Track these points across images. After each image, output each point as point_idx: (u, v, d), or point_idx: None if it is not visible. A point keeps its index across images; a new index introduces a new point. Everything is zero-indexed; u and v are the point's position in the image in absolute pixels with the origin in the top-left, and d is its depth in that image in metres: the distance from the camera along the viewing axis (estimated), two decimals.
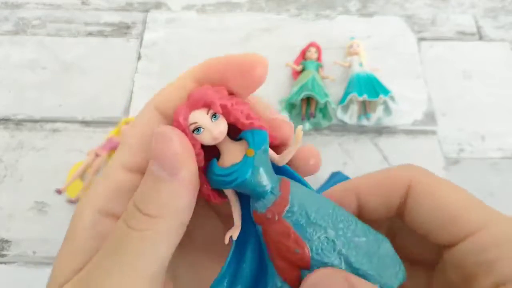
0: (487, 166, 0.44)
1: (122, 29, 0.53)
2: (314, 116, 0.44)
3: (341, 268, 0.13)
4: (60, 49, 0.51)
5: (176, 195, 0.14)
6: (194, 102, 0.14)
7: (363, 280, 0.13)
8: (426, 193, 0.15)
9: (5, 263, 0.39)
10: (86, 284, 0.14)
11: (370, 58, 0.49)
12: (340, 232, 0.14)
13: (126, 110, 0.47)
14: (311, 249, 0.13)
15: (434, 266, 0.16)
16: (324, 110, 0.44)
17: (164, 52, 0.51)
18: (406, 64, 0.50)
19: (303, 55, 0.49)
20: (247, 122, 0.14)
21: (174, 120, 0.14)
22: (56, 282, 0.14)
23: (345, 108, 0.45)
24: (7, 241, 0.39)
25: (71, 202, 0.40)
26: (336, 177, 0.39)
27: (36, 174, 0.43)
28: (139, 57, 0.51)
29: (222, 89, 0.14)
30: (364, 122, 0.45)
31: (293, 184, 0.15)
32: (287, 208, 0.14)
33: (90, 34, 0.53)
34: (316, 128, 0.45)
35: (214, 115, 0.14)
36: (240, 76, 0.14)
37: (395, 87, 0.46)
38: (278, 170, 0.15)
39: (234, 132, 0.15)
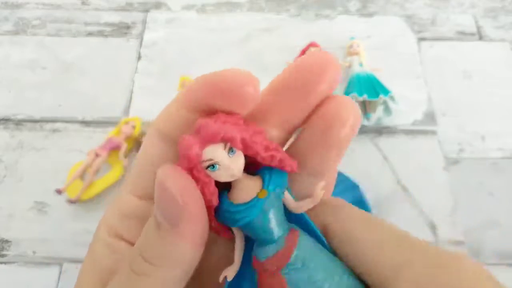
0: (487, 166, 0.44)
1: (122, 29, 0.53)
2: None
3: None
4: (60, 49, 0.51)
5: (178, 247, 0.13)
6: (210, 136, 0.12)
7: None
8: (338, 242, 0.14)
9: (5, 263, 0.39)
10: None
11: (370, 58, 0.49)
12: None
13: (126, 110, 0.47)
14: None
15: None
16: None
17: (164, 52, 0.51)
18: (406, 64, 0.50)
19: (303, 55, 0.49)
20: (266, 155, 0.13)
21: (185, 156, 0.12)
22: None
23: None
24: (7, 241, 0.39)
25: (71, 202, 0.40)
26: (337, 178, 0.39)
27: (36, 174, 0.43)
28: (139, 57, 0.51)
29: (238, 119, 0.13)
30: (364, 122, 0.45)
31: (302, 238, 0.13)
32: (288, 262, 0.13)
33: (90, 34, 0.53)
34: None
35: (231, 149, 0.12)
36: (232, 98, 0.13)
37: (395, 87, 0.46)
38: (292, 215, 0.14)
39: (247, 164, 0.13)
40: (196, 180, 0.12)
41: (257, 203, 0.13)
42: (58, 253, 0.39)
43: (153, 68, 0.50)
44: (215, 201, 0.13)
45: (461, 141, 0.45)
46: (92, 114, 0.46)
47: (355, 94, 0.43)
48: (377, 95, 0.43)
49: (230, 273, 0.14)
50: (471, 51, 0.52)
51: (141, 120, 0.45)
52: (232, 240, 0.14)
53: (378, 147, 0.45)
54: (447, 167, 0.44)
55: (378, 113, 0.45)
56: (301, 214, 0.14)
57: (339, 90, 0.46)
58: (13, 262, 0.39)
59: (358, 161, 0.44)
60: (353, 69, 0.46)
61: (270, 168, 0.13)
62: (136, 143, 0.44)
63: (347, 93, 0.45)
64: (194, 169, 0.12)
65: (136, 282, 0.13)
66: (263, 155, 0.13)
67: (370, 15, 0.54)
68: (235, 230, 0.14)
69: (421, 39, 0.52)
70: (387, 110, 0.45)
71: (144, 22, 0.54)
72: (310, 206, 0.14)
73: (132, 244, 0.15)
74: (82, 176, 0.41)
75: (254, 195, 0.13)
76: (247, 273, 0.14)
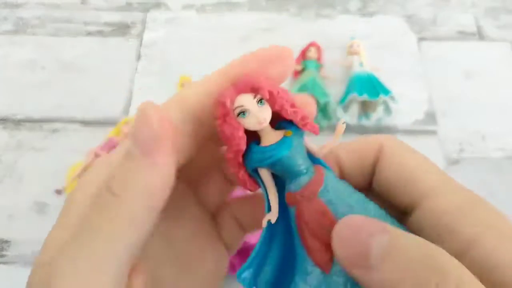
0: (487, 166, 0.44)
1: (122, 29, 0.53)
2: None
3: None
4: (59, 49, 0.51)
5: (146, 175, 0.12)
6: (242, 86, 0.14)
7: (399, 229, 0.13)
8: (390, 157, 0.16)
9: (5, 263, 0.38)
10: (53, 267, 0.13)
11: (371, 58, 0.49)
12: (367, 214, 0.14)
13: (126, 110, 0.47)
14: None
15: None
16: (324, 110, 0.44)
17: (164, 51, 0.51)
18: (407, 64, 0.50)
19: (303, 55, 0.49)
20: (291, 110, 0.14)
21: (219, 103, 0.14)
22: (46, 254, 0.15)
23: (345, 108, 0.45)
24: (6, 241, 0.39)
25: None
26: None
27: (35, 174, 0.43)
28: (138, 57, 0.51)
29: (269, 78, 0.15)
30: (364, 122, 0.45)
31: (326, 170, 0.15)
32: (322, 187, 0.14)
33: (89, 34, 0.53)
34: None
35: (260, 101, 0.14)
36: (280, 63, 0.15)
37: (396, 87, 0.46)
38: (313, 161, 0.16)
39: (272, 124, 0.15)
40: (228, 125, 0.14)
41: (286, 139, 0.14)
42: None
43: (153, 68, 0.50)
44: (243, 145, 0.14)
45: (461, 141, 0.45)
46: (91, 114, 0.46)
47: (355, 94, 0.43)
48: (377, 95, 0.43)
49: (272, 217, 0.15)
50: (471, 51, 0.51)
51: None
52: (237, 202, 0.16)
53: None
54: (448, 167, 0.44)
55: (378, 113, 0.45)
56: (320, 161, 0.16)
57: (339, 90, 0.46)
58: (13, 262, 0.38)
59: None
60: (353, 69, 0.46)
61: (290, 122, 0.15)
62: None
63: (347, 93, 0.45)
64: (227, 115, 0.14)
65: (98, 220, 0.13)
66: (288, 110, 0.14)
67: (371, 14, 0.54)
68: (264, 176, 0.15)
69: (422, 39, 0.52)
70: (387, 110, 0.45)
71: (143, 22, 0.54)
72: (333, 144, 0.16)
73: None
74: (82, 176, 0.41)
75: (282, 136, 0.15)
76: (280, 217, 0.15)
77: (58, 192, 0.39)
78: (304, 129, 0.15)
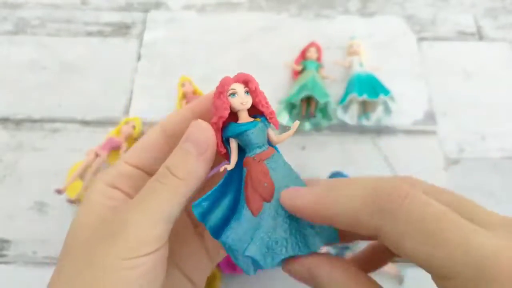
0: (487, 166, 0.44)
1: (122, 29, 0.53)
2: (314, 116, 0.44)
3: None
4: (60, 49, 0.51)
5: (199, 167, 0.19)
6: (238, 77, 0.20)
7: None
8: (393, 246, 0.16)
9: (5, 263, 0.38)
10: (111, 220, 0.18)
11: (370, 58, 0.49)
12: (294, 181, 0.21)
13: (126, 110, 0.47)
14: (276, 188, 0.20)
15: None
16: (324, 110, 0.44)
17: (164, 52, 0.51)
18: (406, 64, 0.50)
19: (303, 55, 0.49)
20: (265, 105, 0.21)
21: (220, 84, 0.20)
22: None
23: (345, 108, 0.45)
24: (7, 241, 0.39)
25: (71, 202, 0.40)
26: (336, 177, 0.39)
27: (36, 174, 0.43)
28: (139, 57, 0.51)
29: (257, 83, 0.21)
30: (364, 122, 0.45)
31: (276, 152, 0.21)
32: (269, 157, 0.20)
33: (89, 34, 0.53)
34: (316, 128, 0.45)
35: (247, 92, 0.20)
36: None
37: (395, 87, 0.46)
38: (270, 145, 0.21)
39: (249, 113, 0.21)
40: (220, 100, 0.20)
41: (255, 122, 0.20)
42: (58, 253, 0.38)
43: (153, 68, 0.50)
44: (226, 114, 0.20)
45: (461, 141, 0.45)
46: (92, 114, 0.46)
47: (355, 94, 0.43)
48: (377, 95, 0.43)
49: (229, 166, 0.20)
50: (471, 51, 0.52)
51: (141, 120, 0.45)
52: (222, 156, 0.21)
53: (378, 147, 0.45)
54: (447, 167, 0.44)
55: (378, 113, 0.45)
56: (276, 148, 0.21)
57: (339, 90, 0.46)
58: (13, 262, 0.39)
59: (358, 161, 0.44)
60: (353, 69, 0.46)
61: (262, 116, 0.21)
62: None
63: (347, 93, 0.45)
64: (222, 93, 0.20)
65: (158, 187, 0.19)
66: (263, 104, 0.21)
67: (370, 15, 0.54)
68: (232, 144, 0.20)
69: (421, 39, 0.52)
70: (387, 110, 0.45)
71: (144, 22, 0.54)
72: (287, 137, 0.21)
73: (127, 193, 0.21)
74: (82, 176, 0.41)
75: (253, 120, 0.21)
76: (236, 176, 0.21)
77: (58, 192, 0.39)
78: (270, 121, 0.21)
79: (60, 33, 0.53)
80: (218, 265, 0.37)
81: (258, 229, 0.19)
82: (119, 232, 0.18)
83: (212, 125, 0.20)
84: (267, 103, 0.21)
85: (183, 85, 0.45)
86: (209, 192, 0.20)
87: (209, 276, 0.35)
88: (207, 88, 0.44)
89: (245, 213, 0.19)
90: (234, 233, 0.19)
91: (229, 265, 0.37)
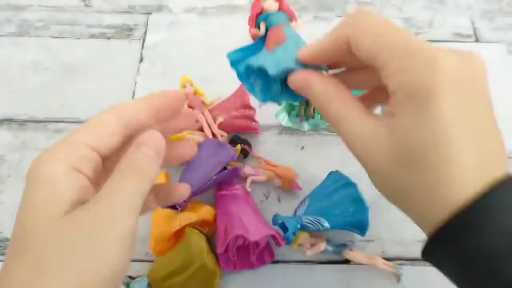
0: None
1: (124, 31, 0.54)
2: (312, 117, 0.45)
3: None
4: (63, 50, 0.52)
5: (156, 166, 0.21)
6: None
7: None
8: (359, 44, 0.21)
9: None
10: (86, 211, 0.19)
11: None
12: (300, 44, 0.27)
13: None
14: (287, 37, 0.27)
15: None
16: None
17: (166, 54, 0.52)
18: None
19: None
20: (288, 8, 0.33)
21: None
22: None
23: None
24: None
25: None
26: (334, 177, 0.40)
27: None
28: (141, 59, 0.52)
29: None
30: None
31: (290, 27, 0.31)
32: (285, 27, 0.30)
33: (92, 36, 0.54)
34: (315, 128, 0.46)
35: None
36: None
37: None
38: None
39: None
40: (254, 5, 0.34)
41: (279, 11, 0.33)
42: None
43: (155, 70, 0.51)
44: (258, 11, 0.33)
45: None
46: (94, 115, 0.47)
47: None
48: None
49: (260, 33, 0.34)
50: None
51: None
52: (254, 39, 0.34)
53: None
54: None
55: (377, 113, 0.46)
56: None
57: None
58: None
59: (357, 161, 0.44)
60: None
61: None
62: None
63: None
64: (258, 2, 0.34)
65: (124, 192, 0.20)
66: (286, 5, 0.33)
67: None
68: (262, 26, 0.33)
69: None
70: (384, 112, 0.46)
71: (146, 24, 0.54)
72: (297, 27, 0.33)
73: (89, 178, 0.21)
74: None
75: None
76: (261, 43, 0.32)
77: None
78: (291, 18, 0.33)
79: (63, 35, 0.54)
80: (219, 263, 0.37)
81: (272, 55, 0.26)
82: (82, 252, 0.18)
83: (249, 20, 0.34)
84: (288, 8, 0.33)
85: (184, 86, 0.46)
86: (244, 47, 0.31)
87: (209, 273, 0.36)
88: (208, 89, 0.45)
89: (263, 51, 0.28)
90: (255, 58, 0.27)
91: (229, 263, 0.38)
